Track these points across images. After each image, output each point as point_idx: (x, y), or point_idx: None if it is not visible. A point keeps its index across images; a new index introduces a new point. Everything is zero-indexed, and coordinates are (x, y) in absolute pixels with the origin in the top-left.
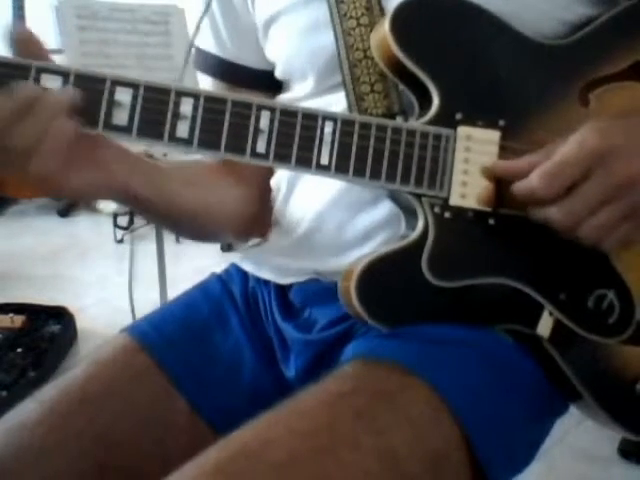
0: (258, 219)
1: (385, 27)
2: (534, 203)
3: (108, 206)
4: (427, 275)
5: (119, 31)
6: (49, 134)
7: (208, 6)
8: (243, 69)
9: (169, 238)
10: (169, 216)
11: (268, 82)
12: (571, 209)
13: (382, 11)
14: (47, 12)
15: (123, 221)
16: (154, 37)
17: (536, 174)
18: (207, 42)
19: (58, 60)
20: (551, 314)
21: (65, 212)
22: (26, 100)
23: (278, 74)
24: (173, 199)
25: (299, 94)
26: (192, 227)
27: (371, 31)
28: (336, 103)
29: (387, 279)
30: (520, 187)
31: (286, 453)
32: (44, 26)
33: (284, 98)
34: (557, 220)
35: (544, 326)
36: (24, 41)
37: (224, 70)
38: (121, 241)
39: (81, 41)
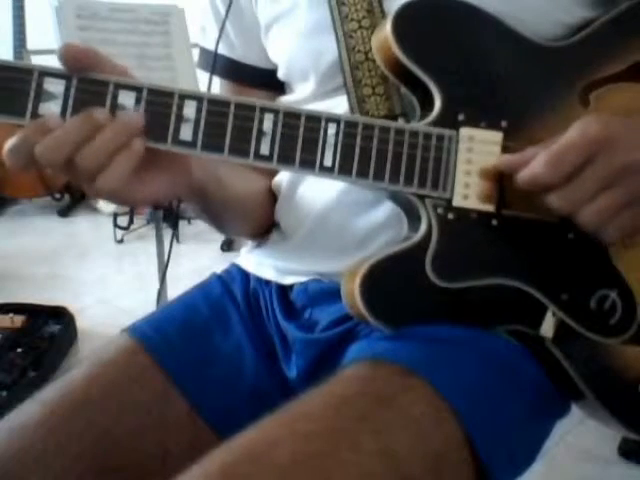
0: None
1: (387, 29)
2: (537, 190)
3: (108, 206)
4: (431, 276)
5: (119, 31)
6: (115, 159)
7: (226, 16)
8: (250, 68)
9: (169, 238)
10: (221, 206)
11: (275, 81)
12: (572, 194)
13: (383, 13)
14: (47, 12)
15: (123, 221)
16: (154, 37)
17: (539, 160)
18: (213, 42)
19: (58, 60)
20: (554, 315)
21: (65, 212)
22: (96, 123)
23: (280, 75)
24: (224, 187)
25: (301, 96)
26: (233, 218)
27: (372, 33)
28: (338, 106)
29: (391, 281)
30: (524, 174)
31: (291, 456)
32: (44, 26)
33: (286, 100)
34: (559, 206)
35: (547, 327)
36: (74, 57)
37: (231, 70)
38: (121, 241)
39: (81, 41)
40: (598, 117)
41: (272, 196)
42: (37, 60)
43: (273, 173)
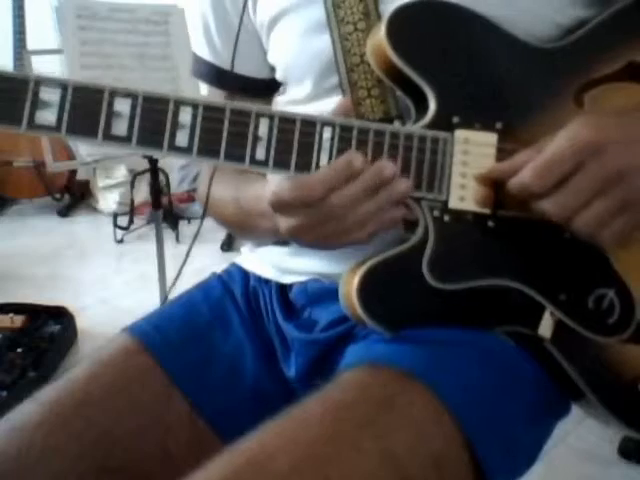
0: None
1: (381, 32)
2: (529, 198)
3: (108, 206)
4: (428, 278)
5: (119, 31)
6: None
7: (239, 30)
8: (236, 76)
9: (169, 238)
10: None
11: (263, 89)
12: (564, 201)
13: (379, 16)
14: (47, 12)
15: (123, 221)
16: (154, 37)
17: (528, 169)
18: (202, 49)
19: (58, 60)
20: (552, 315)
21: (65, 212)
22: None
23: (279, 77)
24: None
25: (296, 97)
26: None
27: (368, 36)
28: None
29: (388, 283)
30: (513, 183)
31: (291, 464)
32: (44, 26)
33: (281, 101)
34: (552, 213)
35: (545, 327)
36: None
37: (218, 77)
38: (121, 241)
39: (81, 41)
40: (589, 120)
41: None
42: (37, 60)
43: None
